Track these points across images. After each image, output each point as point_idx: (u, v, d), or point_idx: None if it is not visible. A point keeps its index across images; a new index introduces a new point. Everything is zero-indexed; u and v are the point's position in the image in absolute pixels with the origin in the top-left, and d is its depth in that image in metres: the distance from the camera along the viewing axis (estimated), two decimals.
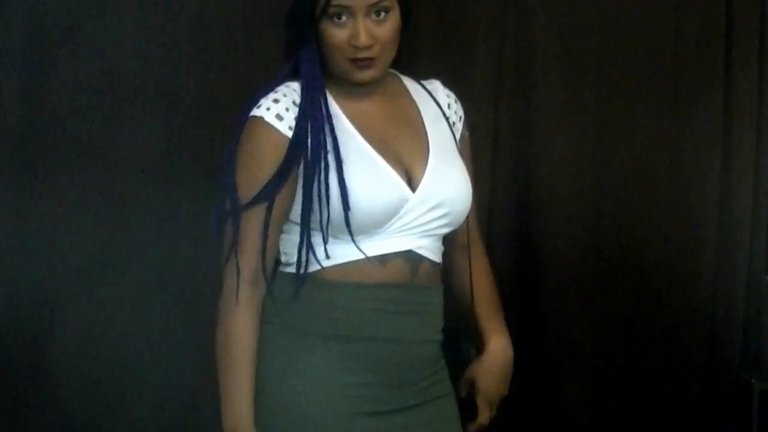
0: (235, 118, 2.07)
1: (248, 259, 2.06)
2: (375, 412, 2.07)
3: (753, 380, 2.97)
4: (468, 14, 3.01)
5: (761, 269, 3.08)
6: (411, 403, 2.09)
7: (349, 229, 2.02)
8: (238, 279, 2.06)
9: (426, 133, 2.12)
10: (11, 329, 2.90)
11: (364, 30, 2.00)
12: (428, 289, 2.12)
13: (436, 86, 2.22)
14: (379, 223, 2.04)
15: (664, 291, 3.08)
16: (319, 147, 2.03)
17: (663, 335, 3.08)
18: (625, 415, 3.08)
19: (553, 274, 3.04)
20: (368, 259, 2.05)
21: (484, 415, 2.17)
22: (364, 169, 2.04)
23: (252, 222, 2.03)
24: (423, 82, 2.22)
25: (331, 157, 2.03)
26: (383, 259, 2.07)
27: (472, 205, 2.17)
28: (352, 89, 2.10)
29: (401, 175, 2.05)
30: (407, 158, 2.08)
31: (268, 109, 2.04)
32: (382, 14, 2.02)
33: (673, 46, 3.05)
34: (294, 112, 2.04)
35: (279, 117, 2.03)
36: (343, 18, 2.00)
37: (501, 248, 3.01)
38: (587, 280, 3.07)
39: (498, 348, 2.19)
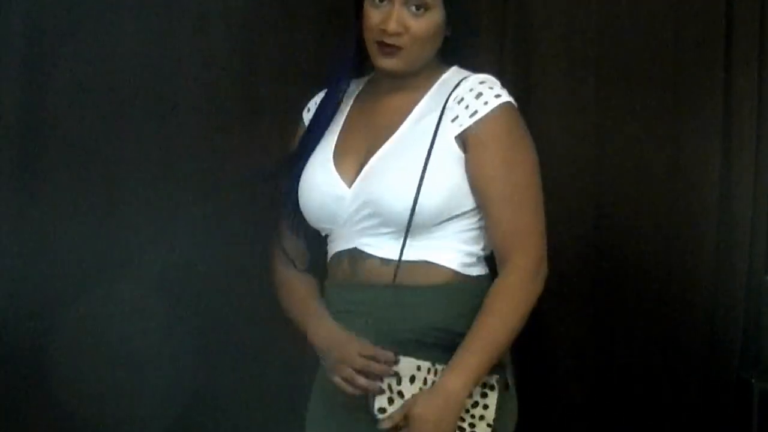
0: None
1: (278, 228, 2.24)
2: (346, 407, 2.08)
3: (753, 380, 2.96)
4: None
5: (761, 269, 3.08)
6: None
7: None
8: (280, 241, 2.24)
9: (398, 131, 2.12)
10: (11, 329, 2.90)
11: (396, 17, 2.04)
12: (374, 288, 2.08)
13: (466, 79, 2.14)
14: (326, 220, 2.11)
15: (664, 291, 3.07)
16: (306, 145, 2.16)
17: (663, 335, 3.08)
18: (625, 415, 3.08)
19: (553, 274, 3.02)
20: (330, 260, 2.15)
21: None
22: (315, 168, 2.13)
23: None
24: (471, 77, 2.15)
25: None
26: (337, 258, 2.11)
27: (499, 211, 2.06)
28: (383, 81, 2.13)
29: (348, 173, 2.07)
30: (366, 157, 2.09)
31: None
32: (421, 10, 2.04)
33: (673, 46, 3.05)
34: (312, 104, 2.24)
35: (308, 110, 2.25)
36: (384, 2, 2.03)
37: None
38: (587, 279, 3.07)
39: (437, 389, 2.00)
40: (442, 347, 2.06)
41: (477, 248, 2.14)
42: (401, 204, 2.03)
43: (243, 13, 2.94)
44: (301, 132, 2.22)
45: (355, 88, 2.21)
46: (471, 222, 2.12)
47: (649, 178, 3.07)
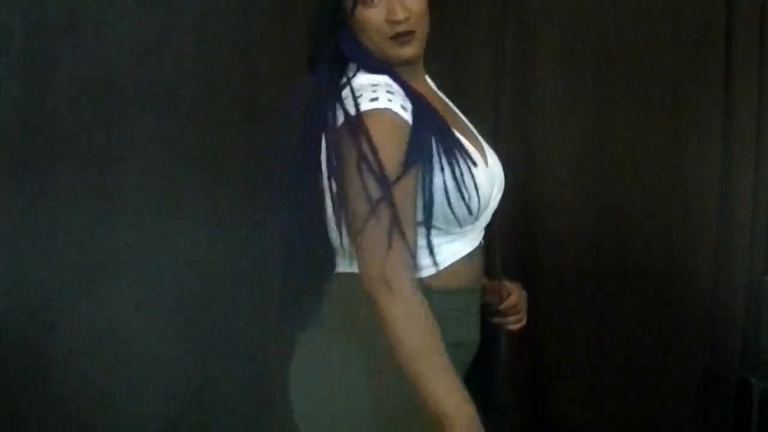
0: (319, 125, 1.91)
1: (411, 232, 1.86)
2: None
3: (753, 380, 2.97)
4: (468, 14, 3.01)
5: (761, 269, 3.08)
6: None
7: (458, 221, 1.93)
8: (407, 258, 1.84)
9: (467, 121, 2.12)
10: (11, 329, 2.91)
11: (398, 4, 2.01)
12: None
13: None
14: (489, 214, 2.03)
15: (664, 291, 3.08)
16: (443, 141, 1.95)
17: (663, 335, 3.08)
18: (625, 415, 3.08)
19: (553, 274, 3.04)
20: (454, 263, 1.97)
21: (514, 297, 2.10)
22: (486, 157, 2.01)
23: (407, 191, 1.87)
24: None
25: (442, 150, 1.94)
26: (466, 259, 2.00)
27: None
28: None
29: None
30: (474, 144, 2.05)
31: (389, 100, 1.91)
32: None
33: (673, 46, 3.05)
34: (401, 100, 1.94)
35: (403, 108, 1.92)
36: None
37: (501, 248, 3.00)
38: (587, 279, 3.07)
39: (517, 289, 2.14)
40: None
41: None
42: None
43: (242, 12, 2.94)
44: (407, 127, 1.91)
45: None
46: None
47: (649, 178, 3.07)
